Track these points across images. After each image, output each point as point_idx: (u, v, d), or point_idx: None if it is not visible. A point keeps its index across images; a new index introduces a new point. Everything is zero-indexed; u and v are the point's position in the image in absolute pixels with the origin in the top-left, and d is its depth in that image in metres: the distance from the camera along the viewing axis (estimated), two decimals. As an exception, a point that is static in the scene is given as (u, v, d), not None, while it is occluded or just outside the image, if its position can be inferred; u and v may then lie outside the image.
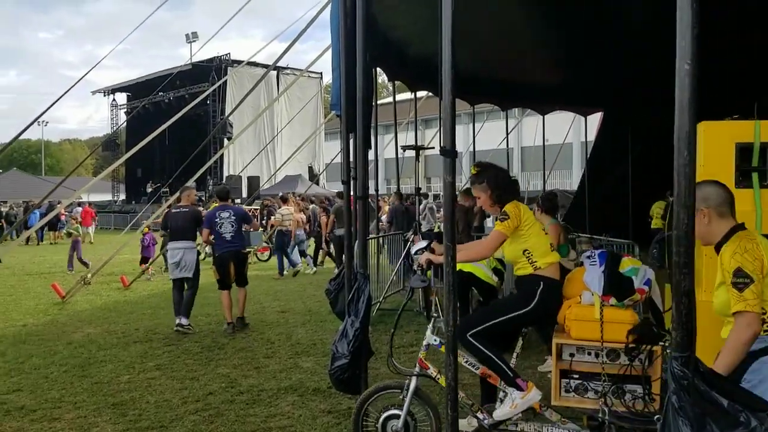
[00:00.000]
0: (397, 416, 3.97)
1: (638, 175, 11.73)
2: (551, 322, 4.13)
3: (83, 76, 10.06)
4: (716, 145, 3.50)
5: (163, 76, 35.42)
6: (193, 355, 7.09)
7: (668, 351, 3.17)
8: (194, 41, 41.59)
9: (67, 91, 9.20)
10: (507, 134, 13.89)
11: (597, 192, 12.87)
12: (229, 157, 33.91)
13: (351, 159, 6.10)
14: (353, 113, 5.89)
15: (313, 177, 32.03)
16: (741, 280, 2.55)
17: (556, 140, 15.81)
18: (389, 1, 7.76)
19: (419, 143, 11.33)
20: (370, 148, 6.53)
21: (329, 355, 4.77)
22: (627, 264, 4.07)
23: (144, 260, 14.43)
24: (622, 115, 12.17)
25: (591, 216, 11.97)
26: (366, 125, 5.48)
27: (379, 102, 10.16)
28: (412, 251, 4.53)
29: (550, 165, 13.95)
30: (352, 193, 5.64)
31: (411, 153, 11.16)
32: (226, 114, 33.01)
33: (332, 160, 22.31)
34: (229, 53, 35.92)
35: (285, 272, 14.07)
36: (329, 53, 8.83)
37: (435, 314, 4.41)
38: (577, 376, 3.88)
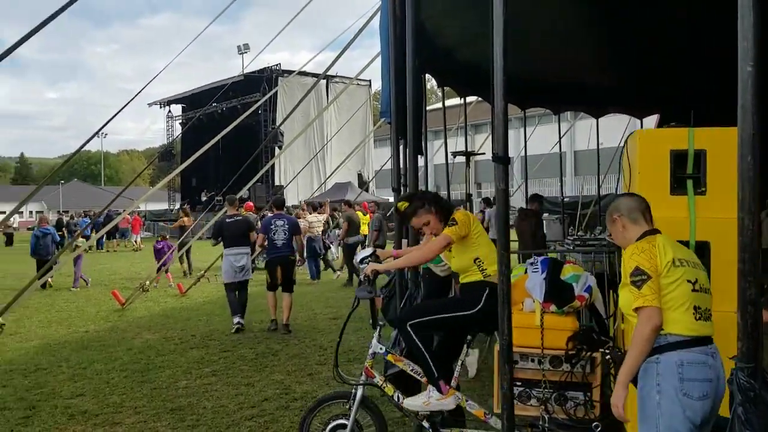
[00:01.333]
0: (344, 426, 3.95)
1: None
2: (494, 328, 4.03)
3: (141, 90, 10.37)
4: (652, 153, 3.53)
5: (216, 88, 36.18)
6: (248, 361, 7.20)
7: (608, 357, 3.36)
8: (245, 53, 42.43)
9: (126, 104, 9.50)
10: (560, 138, 13.66)
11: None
12: (280, 165, 34.36)
13: (401, 166, 6.13)
14: (403, 120, 5.90)
15: (363, 184, 32.17)
16: (638, 277, 2.64)
17: (610, 143, 15.49)
18: (437, 7, 7.74)
19: (469, 149, 11.27)
20: (422, 155, 6.54)
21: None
22: (568, 271, 4.10)
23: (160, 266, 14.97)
24: (680, 118, 11.84)
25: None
26: (416, 132, 5.48)
27: (428, 108, 10.13)
28: (356, 260, 4.50)
29: (605, 169, 13.62)
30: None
31: (461, 159, 11.11)
32: (277, 123, 33.50)
33: (381, 167, 22.35)
34: (279, 63, 36.50)
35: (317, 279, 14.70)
36: (378, 61, 8.89)
37: (381, 322, 4.36)
38: (520, 383, 3.86)
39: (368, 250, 4.66)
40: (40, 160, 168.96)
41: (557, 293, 3.97)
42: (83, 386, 6.34)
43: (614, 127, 14.30)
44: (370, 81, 39.12)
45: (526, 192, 12.06)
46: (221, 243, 9.32)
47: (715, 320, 2.75)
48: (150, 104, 45.58)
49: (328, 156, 35.85)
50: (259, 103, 17.34)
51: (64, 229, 29.29)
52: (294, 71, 33.63)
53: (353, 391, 4.00)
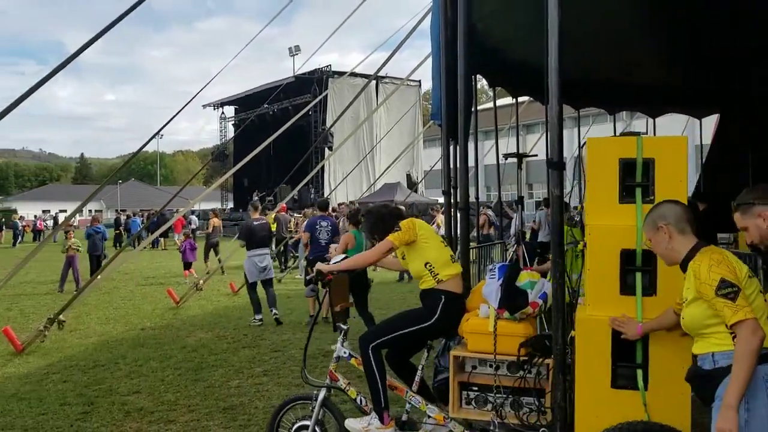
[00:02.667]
0: (307, 427, 4.07)
1: (759, 182, 10.94)
2: (454, 334, 4.19)
3: (197, 93, 10.64)
4: (602, 161, 3.56)
5: (268, 89, 36.68)
6: (298, 361, 7.24)
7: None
8: (297, 54, 42.92)
9: (183, 107, 9.76)
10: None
11: (712, 198, 12.11)
12: (329, 166, 34.57)
13: (451, 168, 6.08)
14: (454, 122, 5.86)
15: (412, 185, 32.09)
16: (729, 289, 2.49)
17: (666, 143, 15.04)
18: (488, 8, 7.65)
19: (521, 149, 11.11)
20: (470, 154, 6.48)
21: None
22: (524, 277, 4.12)
23: (187, 266, 15.20)
24: (742, 118, 11.41)
25: (705, 223, 11.25)
26: (467, 135, 5.43)
27: (478, 108, 10.03)
28: (332, 263, 4.58)
29: (660, 169, 13.26)
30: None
31: (512, 159, 10.97)
32: (327, 124, 33.74)
33: (432, 167, 22.28)
34: (329, 65, 36.73)
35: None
36: (428, 62, 8.83)
37: (344, 326, 4.42)
38: (476, 388, 3.96)
39: (341, 256, 4.91)
40: (99, 160, 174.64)
41: (512, 299, 4.01)
42: (139, 383, 6.51)
43: (672, 127, 13.89)
44: (419, 81, 39.05)
45: (580, 194, 11.81)
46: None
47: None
48: (204, 106, 46.54)
49: (377, 156, 35.90)
50: (310, 105, 17.46)
51: (121, 227, 30.21)
52: (344, 72, 33.84)
53: (315, 393, 4.15)
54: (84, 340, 8.77)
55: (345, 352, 4.30)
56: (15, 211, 53.00)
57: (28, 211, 51.45)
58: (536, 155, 12.21)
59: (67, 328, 9.14)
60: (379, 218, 4.47)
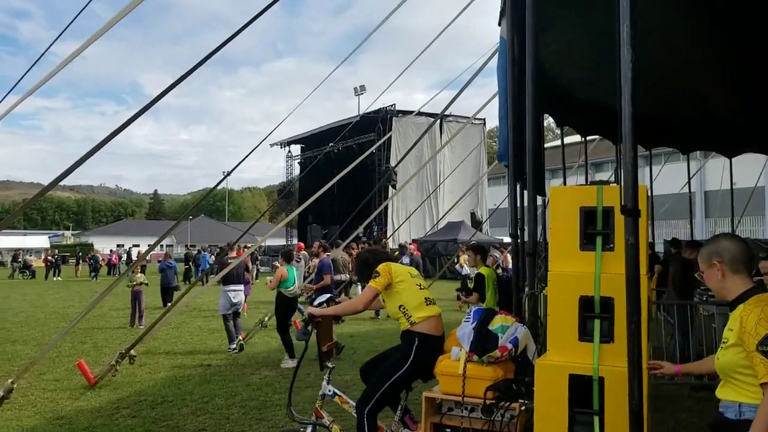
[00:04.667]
0: None
1: None
2: (431, 376, 4.33)
3: (269, 135, 10.92)
4: (564, 209, 3.64)
5: (334, 128, 37.37)
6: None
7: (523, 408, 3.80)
8: (362, 94, 43.71)
9: (254, 148, 10.17)
10: (689, 179, 12.92)
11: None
12: (392, 204, 34.74)
13: (519, 210, 5.97)
14: (520, 163, 5.77)
15: (477, 223, 31.83)
16: None
17: (745, 183, 14.45)
18: (557, 47, 7.60)
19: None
20: (543, 196, 6.36)
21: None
22: (497, 321, 4.21)
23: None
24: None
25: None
26: (536, 177, 5.32)
27: (545, 145, 9.91)
28: (314, 304, 4.81)
29: (739, 211, 12.72)
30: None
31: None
32: (391, 163, 34.00)
33: (497, 206, 22.07)
34: (394, 104, 37.24)
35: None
36: (493, 100, 8.80)
37: (330, 365, 4.65)
38: (449, 429, 4.08)
39: (325, 296, 5.06)
40: (171, 196, 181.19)
41: (483, 343, 4.09)
42: (205, 421, 6.57)
43: (750, 166, 13.37)
44: (484, 120, 39.04)
45: (653, 234, 11.44)
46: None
47: (619, 375, 2.70)
48: (272, 145, 47.81)
49: (441, 194, 35.84)
50: (377, 144, 17.68)
51: (191, 262, 31.05)
52: (408, 111, 34.15)
53: (301, 430, 4.44)
54: (153, 374, 8.96)
55: (330, 391, 4.54)
56: (92, 246, 55.35)
57: (103, 245, 53.68)
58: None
59: (137, 362, 9.36)
60: (363, 262, 4.78)
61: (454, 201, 22.67)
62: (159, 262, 23.55)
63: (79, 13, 5.59)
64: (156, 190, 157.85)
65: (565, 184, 10.27)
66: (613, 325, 3.33)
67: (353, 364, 9.09)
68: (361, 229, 13.07)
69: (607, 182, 3.71)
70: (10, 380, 6.81)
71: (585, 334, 3.39)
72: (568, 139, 12.08)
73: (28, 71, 6.04)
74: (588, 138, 11.53)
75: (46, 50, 5.82)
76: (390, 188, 31.95)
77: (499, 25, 6.71)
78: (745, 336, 2.53)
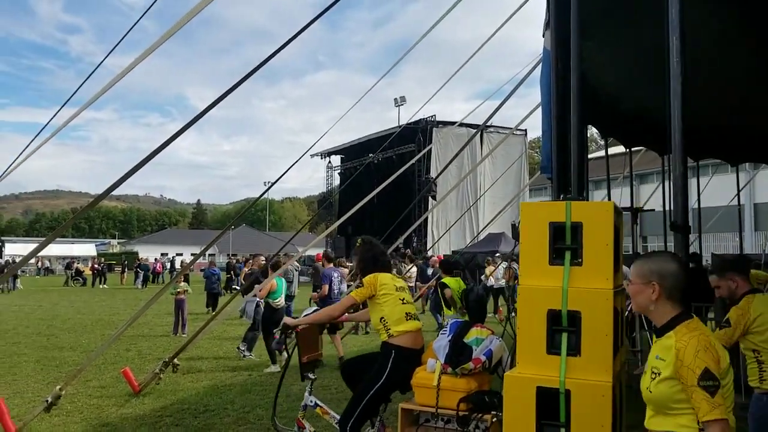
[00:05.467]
0: None
1: None
2: (407, 388, 4.42)
3: (311, 147, 11.11)
4: (534, 224, 3.74)
5: (374, 139, 37.46)
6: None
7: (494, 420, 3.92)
8: (402, 105, 43.84)
9: (298, 160, 10.13)
10: (738, 191, 12.57)
11: None
12: (432, 215, 34.63)
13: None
14: (565, 176, 5.69)
15: (518, 235, 31.44)
16: (711, 383, 2.41)
17: (796, 195, 14.02)
18: (601, 58, 7.51)
19: (634, 201, 10.68)
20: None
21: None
22: (473, 334, 4.29)
23: None
24: None
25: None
26: (581, 191, 5.24)
27: (588, 157, 9.75)
28: (302, 316, 4.90)
29: (790, 224, 12.31)
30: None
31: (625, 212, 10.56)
32: (432, 174, 33.92)
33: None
34: (434, 115, 37.18)
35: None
36: (535, 112, 8.70)
37: (312, 376, 4.76)
38: None
39: (312, 308, 5.20)
40: (213, 206, 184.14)
41: (457, 355, 4.15)
42: (246, 431, 6.61)
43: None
44: (525, 131, 38.69)
45: (700, 248, 11.16)
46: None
47: (585, 389, 2.80)
48: (312, 155, 48.20)
49: (481, 205, 35.59)
50: (418, 155, 17.69)
51: (231, 271, 31.47)
52: (448, 123, 34.08)
53: None
54: (196, 383, 9.08)
55: (312, 401, 4.68)
56: (137, 254, 56.56)
57: (148, 253, 54.74)
58: (653, 210, 11.70)
59: (180, 370, 9.49)
60: (368, 259, 4.85)
61: (494, 212, 22.44)
62: (202, 270, 24.18)
63: (131, 28, 5.75)
64: (199, 200, 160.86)
65: (609, 196, 10.09)
66: (580, 339, 3.39)
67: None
68: (401, 240, 13.04)
69: (576, 198, 3.82)
70: (58, 387, 6.97)
71: (553, 347, 3.45)
72: (612, 150, 11.87)
73: (82, 84, 6.22)
74: (633, 149, 11.33)
75: (100, 64, 5.98)
76: (430, 199, 31.85)
77: (543, 36, 6.65)
78: (684, 371, 2.47)
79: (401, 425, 4.26)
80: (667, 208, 10.35)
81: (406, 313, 4.58)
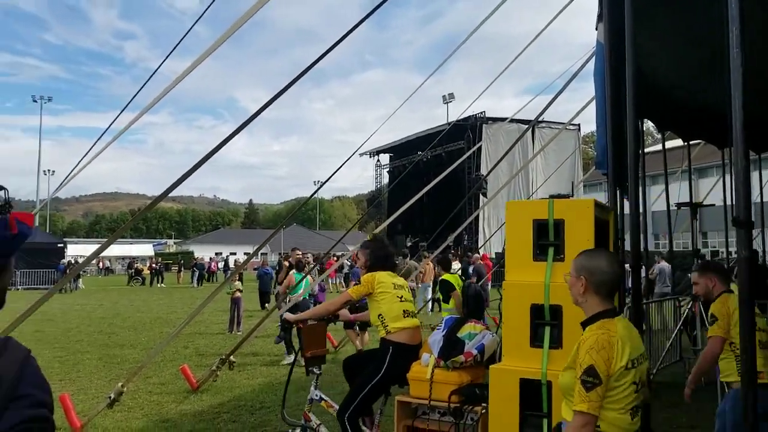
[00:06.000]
0: None
1: None
2: (405, 383, 4.58)
3: (360, 146, 11.11)
4: (519, 222, 3.88)
5: (423, 137, 37.34)
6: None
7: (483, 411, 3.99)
8: (450, 101, 43.63)
9: (348, 159, 10.22)
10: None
11: None
12: (483, 213, 34.34)
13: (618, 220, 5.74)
14: (620, 171, 5.56)
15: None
16: (591, 380, 2.53)
17: None
18: (657, 49, 7.31)
19: (693, 195, 10.37)
20: (644, 204, 6.10)
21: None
22: (466, 329, 4.43)
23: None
24: None
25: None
26: (637, 187, 5.12)
27: (645, 150, 9.51)
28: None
29: None
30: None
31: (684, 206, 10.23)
32: (482, 171, 33.64)
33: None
34: (484, 111, 36.85)
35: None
36: (589, 106, 8.54)
37: (317, 371, 4.95)
38: None
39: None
40: (265, 206, 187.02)
41: (450, 349, 4.28)
42: (301, 428, 6.69)
43: None
44: (579, 125, 37.96)
45: (763, 244, 10.76)
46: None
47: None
48: (361, 154, 48.40)
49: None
50: (468, 153, 17.59)
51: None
52: (498, 118, 33.70)
53: (289, 431, 4.91)
54: (251, 380, 9.24)
55: (317, 395, 4.88)
56: (192, 254, 57.88)
57: (203, 253, 55.92)
58: (712, 204, 11.34)
59: (236, 367, 9.68)
60: (378, 257, 4.98)
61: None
62: (255, 269, 24.55)
63: (185, 35, 5.89)
64: (251, 200, 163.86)
65: (667, 191, 9.85)
66: (561, 332, 3.51)
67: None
68: (451, 238, 12.99)
69: (562, 195, 3.95)
70: (120, 383, 7.20)
71: (536, 341, 3.58)
72: (669, 144, 11.55)
73: (140, 90, 6.43)
74: (691, 142, 11.00)
75: (157, 69, 6.18)
76: (481, 197, 31.59)
77: (596, 28, 6.52)
78: (576, 362, 2.62)
79: (397, 417, 4.46)
80: (727, 202, 10.03)
81: (404, 311, 4.72)
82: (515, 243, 3.85)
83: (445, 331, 4.44)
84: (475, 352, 4.32)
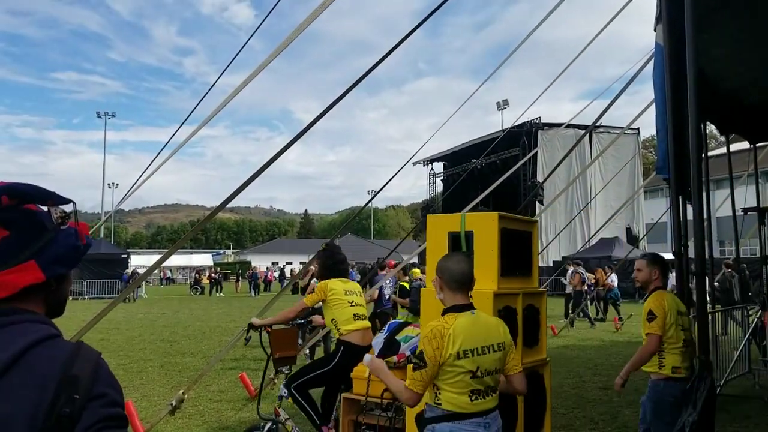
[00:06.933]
0: None
1: None
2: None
3: (412, 156, 11.16)
4: (436, 234, 4.34)
5: (476, 144, 37.08)
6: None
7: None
8: (505, 108, 43.24)
9: (401, 168, 10.33)
10: None
11: None
12: (540, 220, 33.79)
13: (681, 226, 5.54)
14: (682, 176, 5.38)
15: (633, 239, 30.11)
16: (417, 362, 2.95)
17: None
18: (720, 50, 7.06)
19: (761, 200, 9.96)
20: (708, 209, 5.88)
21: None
22: (406, 332, 4.69)
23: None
24: None
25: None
26: (701, 192, 4.94)
27: (708, 154, 9.19)
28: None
29: None
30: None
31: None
32: (539, 178, 33.14)
33: (656, 221, 20.84)
34: (539, 117, 36.32)
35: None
36: (649, 109, 8.30)
37: (285, 371, 5.42)
38: (365, 426, 4.80)
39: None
40: (320, 215, 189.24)
41: (387, 350, 4.57)
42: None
43: None
44: (638, 129, 37.00)
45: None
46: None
47: None
48: (414, 163, 48.42)
49: (593, 209, 34.32)
50: (523, 160, 17.39)
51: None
52: (554, 124, 33.20)
53: (262, 424, 5.28)
54: (307, 389, 9.30)
55: (284, 392, 5.26)
56: (250, 263, 58.95)
57: (260, 262, 56.91)
58: (782, 209, 10.85)
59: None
60: (323, 267, 5.54)
61: (607, 216, 21.60)
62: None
63: (241, 49, 6.02)
64: (306, 210, 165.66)
65: (732, 195, 9.48)
66: None
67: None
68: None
69: (481, 209, 4.04)
70: (181, 391, 7.34)
71: None
72: (734, 147, 11.12)
73: (198, 104, 6.59)
74: (758, 145, 10.57)
75: (214, 84, 6.32)
76: (537, 204, 31.12)
77: (655, 30, 6.35)
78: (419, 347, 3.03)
79: (343, 412, 4.90)
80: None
81: (354, 314, 5.22)
82: (433, 253, 4.18)
83: (386, 334, 4.75)
84: (408, 353, 4.58)
